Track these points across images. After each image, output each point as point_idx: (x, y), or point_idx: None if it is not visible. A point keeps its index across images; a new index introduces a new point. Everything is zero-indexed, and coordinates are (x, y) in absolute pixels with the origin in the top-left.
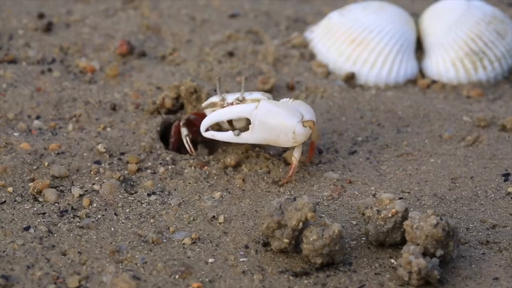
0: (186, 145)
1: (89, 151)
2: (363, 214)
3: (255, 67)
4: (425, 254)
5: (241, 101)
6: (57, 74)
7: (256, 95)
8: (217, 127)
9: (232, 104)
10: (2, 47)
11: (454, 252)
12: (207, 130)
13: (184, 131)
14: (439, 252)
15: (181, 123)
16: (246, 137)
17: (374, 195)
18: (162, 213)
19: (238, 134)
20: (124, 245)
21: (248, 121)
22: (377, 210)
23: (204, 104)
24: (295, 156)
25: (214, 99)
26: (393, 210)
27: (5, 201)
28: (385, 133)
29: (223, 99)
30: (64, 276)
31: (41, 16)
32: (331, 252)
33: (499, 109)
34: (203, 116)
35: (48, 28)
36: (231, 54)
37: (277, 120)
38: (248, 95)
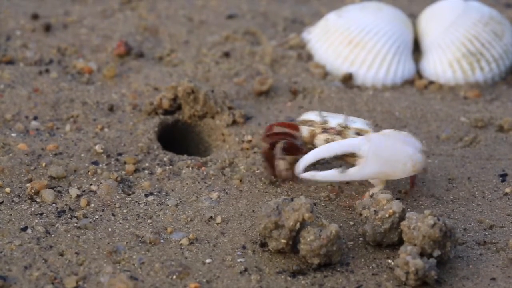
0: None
1: (86, 151)
2: (360, 214)
3: (253, 68)
4: (422, 254)
5: (345, 128)
6: (54, 75)
7: (360, 124)
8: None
9: (334, 129)
10: (0, 48)
11: (451, 253)
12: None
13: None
14: (436, 253)
15: (282, 167)
16: (355, 174)
17: (371, 196)
18: (159, 214)
19: (343, 171)
20: (122, 246)
21: None
22: (374, 210)
23: (300, 119)
24: (378, 188)
25: (313, 117)
26: (390, 211)
27: (2, 202)
28: None
29: (324, 122)
30: (62, 276)
31: (35, 16)
32: (329, 253)
33: (497, 110)
34: (291, 131)
35: (46, 29)
36: (228, 55)
37: (395, 151)
38: (352, 123)
